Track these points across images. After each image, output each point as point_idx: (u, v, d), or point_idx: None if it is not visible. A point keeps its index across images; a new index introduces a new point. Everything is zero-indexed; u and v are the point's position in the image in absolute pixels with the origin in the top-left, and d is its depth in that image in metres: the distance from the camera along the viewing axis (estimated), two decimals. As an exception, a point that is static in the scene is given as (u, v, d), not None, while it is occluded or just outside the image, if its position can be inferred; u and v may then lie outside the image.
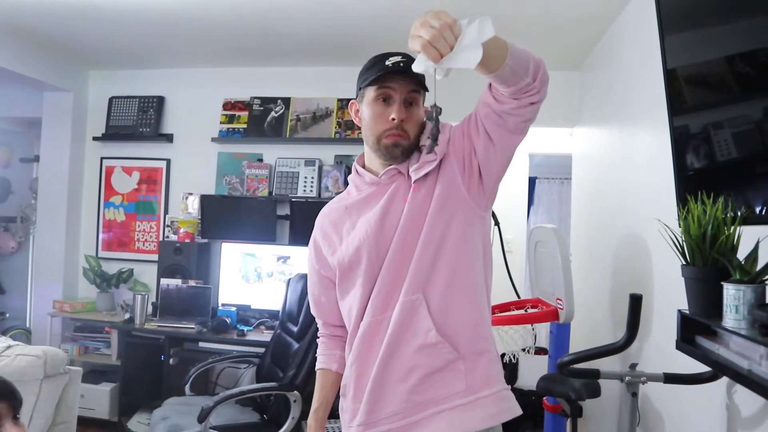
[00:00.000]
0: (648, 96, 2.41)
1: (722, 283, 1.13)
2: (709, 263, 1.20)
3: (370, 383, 1.37)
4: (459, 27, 1.01)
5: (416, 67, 1.05)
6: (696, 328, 1.29)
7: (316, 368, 1.61)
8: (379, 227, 1.39)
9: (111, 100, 4.39)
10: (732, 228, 1.18)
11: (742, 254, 1.18)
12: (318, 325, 1.64)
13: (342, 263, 1.45)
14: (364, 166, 1.50)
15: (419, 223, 1.36)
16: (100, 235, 4.43)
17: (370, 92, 1.39)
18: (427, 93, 1.42)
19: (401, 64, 1.36)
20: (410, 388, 1.34)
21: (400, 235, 1.37)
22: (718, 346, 1.18)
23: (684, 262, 1.27)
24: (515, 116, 1.23)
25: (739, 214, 1.21)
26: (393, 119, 1.36)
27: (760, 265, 1.11)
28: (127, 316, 3.88)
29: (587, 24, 3.11)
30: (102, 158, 4.43)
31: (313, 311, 1.63)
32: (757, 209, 1.23)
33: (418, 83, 1.38)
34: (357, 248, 1.41)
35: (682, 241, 1.27)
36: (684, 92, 1.63)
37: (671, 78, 1.63)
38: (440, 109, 1.09)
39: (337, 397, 1.55)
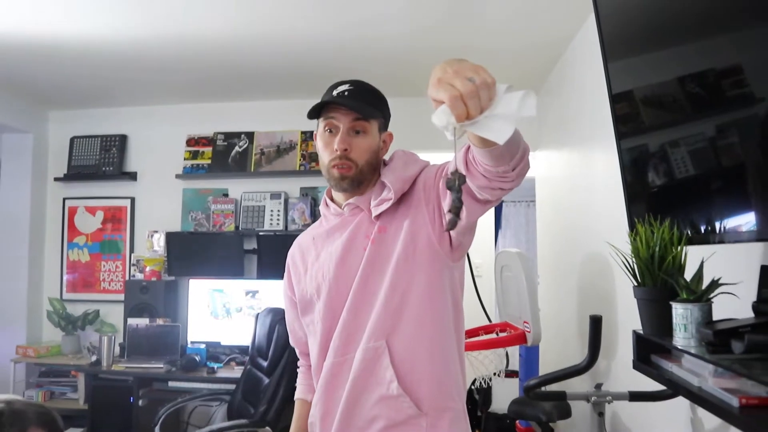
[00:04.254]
0: (601, 119, 2.49)
1: (670, 302, 1.16)
2: (658, 284, 1.23)
3: (336, 426, 1.36)
4: (496, 90, 0.86)
5: (437, 121, 0.86)
6: (651, 348, 1.32)
7: (295, 398, 1.60)
8: (340, 264, 1.38)
9: (72, 139, 4.34)
10: (678, 248, 1.22)
11: (690, 273, 1.22)
12: (297, 354, 1.63)
13: (303, 296, 1.46)
14: (332, 197, 1.49)
15: (383, 267, 1.34)
16: (65, 277, 4.34)
17: (320, 124, 1.40)
18: (379, 120, 1.41)
19: (345, 93, 1.36)
20: None
21: (362, 276, 1.34)
22: (672, 365, 1.21)
23: (635, 284, 1.31)
24: (482, 191, 1.13)
25: (685, 234, 1.25)
26: (336, 149, 1.35)
27: (705, 284, 1.14)
28: (93, 358, 3.79)
29: (543, 51, 3.22)
30: (64, 198, 4.37)
31: (290, 340, 1.62)
32: (702, 229, 1.28)
33: (362, 112, 1.36)
34: (318, 284, 1.41)
35: (633, 262, 1.31)
36: (642, 113, 1.68)
37: (628, 99, 1.68)
38: (464, 177, 0.89)
39: None
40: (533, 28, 2.89)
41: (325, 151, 1.38)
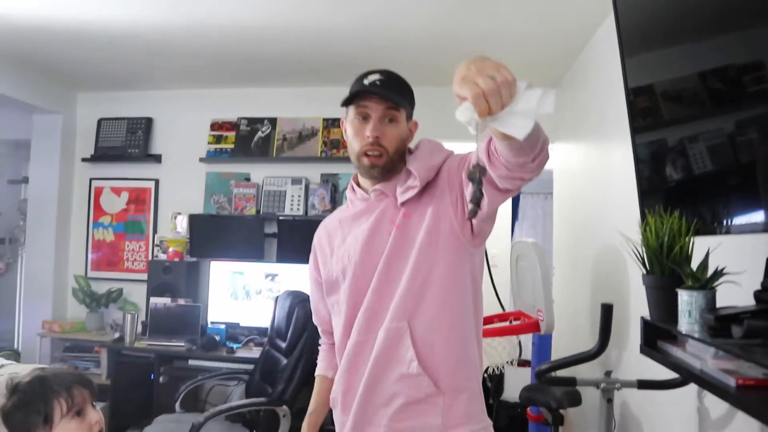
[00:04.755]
0: (620, 112, 2.51)
1: (677, 289, 1.21)
2: (666, 272, 1.28)
3: (357, 401, 1.43)
4: (516, 88, 0.91)
5: (460, 116, 0.92)
6: (658, 333, 1.37)
7: (315, 373, 1.68)
8: (366, 248, 1.43)
9: (100, 121, 4.45)
10: (686, 238, 1.27)
11: (696, 263, 1.26)
12: (319, 332, 1.70)
13: (329, 276, 1.52)
14: (359, 183, 1.54)
15: (407, 252, 1.39)
16: (89, 255, 4.47)
17: (351, 111, 1.44)
18: (407, 110, 1.46)
19: (378, 82, 1.41)
20: (391, 414, 1.39)
21: (387, 260, 1.40)
22: (677, 349, 1.26)
23: (644, 272, 1.36)
24: (502, 180, 1.18)
25: (693, 225, 1.29)
26: (368, 136, 1.40)
27: (710, 273, 1.19)
28: (117, 335, 3.92)
29: (564, 41, 3.20)
30: (91, 179, 4.49)
31: (314, 319, 1.69)
32: (709, 220, 1.32)
33: (395, 101, 1.41)
34: (344, 266, 1.47)
35: (643, 252, 1.35)
36: (662, 107, 1.70)
37: (648, 93, 1.71)
38: (484, 169, 0.96)
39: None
40: (555, 16, 2.88)
41: (356, 138, 1.43)
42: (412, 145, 1.53)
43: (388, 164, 1.43)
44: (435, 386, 1.36)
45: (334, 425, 1.55)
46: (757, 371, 0.98)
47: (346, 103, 1.43)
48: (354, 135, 1.44)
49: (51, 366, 1.39)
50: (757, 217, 1.18)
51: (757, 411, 0.94)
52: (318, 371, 1.68)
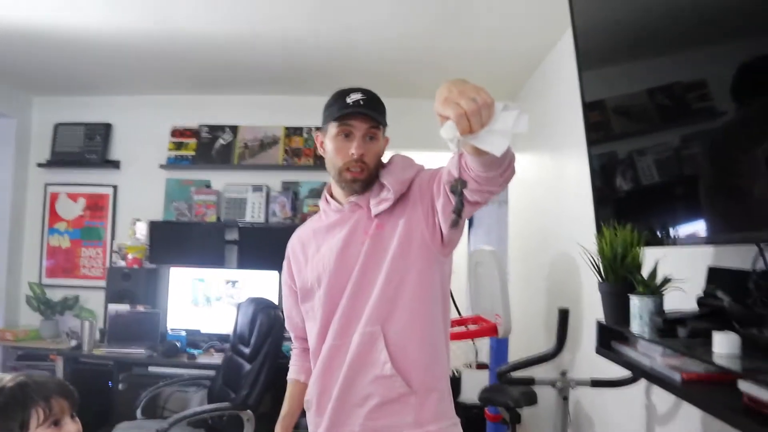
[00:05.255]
0: (574, 126, 2.67)
1: (629, 295, 1.34)
2: (619, 280, 1.41)
3: (332, 402, 1.50)
4: (494, 109, 1.00)
5: (444, 134, 1.01)
6: (612, 335, 1.50)
7: (287, 378, 1.74)
8: (340, 257, 1.51)
9: (56, 126, 4.39)
10: (637, 249, 1.40)
11: (646, 272, 1.40)
12: (292, 338, 1.76)
13: (304, 284, 1.59)
14: (332, 194, 1.61)
15: (380, 260, 1.46)
16: (44, 262, 4.39)
17: (333, 128, 1.50)
18: (384, 127, 1.54)
19: (361, 102, 1.48)
20: (366, 414, 1.46)
21: (361, 268, 1.47)
22: (629, 349, 1.39)
23: (600, 280, 1.49)
24: (473, 193, 1.25)
25: (643, 237, 1.43)
26: (353, 153, 1.48)
27: (659, 281, 1.33)
28: (73, 343, 3.86)
29: (522, 58, 3.39)
30: (46, 184, 4.41)
31: (287, 325, 1.75)
32: (658, 233, 1.46)
33: (377, 121, 1.49)
34: (318, 275, 1.54)
35: (598, 261, 1.48)
36: (612, 121, 1.82)
37: (600, 108, 1.82)
38: (465, 183, 1.06)
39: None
40: (515, 36, 3.05)
41: (339, 154, 1.50)
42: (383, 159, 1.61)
43: (368, 178, 1.51)
44: (408, 386, 1.44)
45: (305, 428, 1.61)
46: (699, 367, 1.12)
47: (330, 120, 1.50)
48: (336, 152, 1.50)
49: (34, 373, 1.41)
50: (699, 231, 1.32)
51: (700, 401, 1.08)
52: (290, 375, 1.74)
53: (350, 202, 1.55)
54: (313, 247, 1.60)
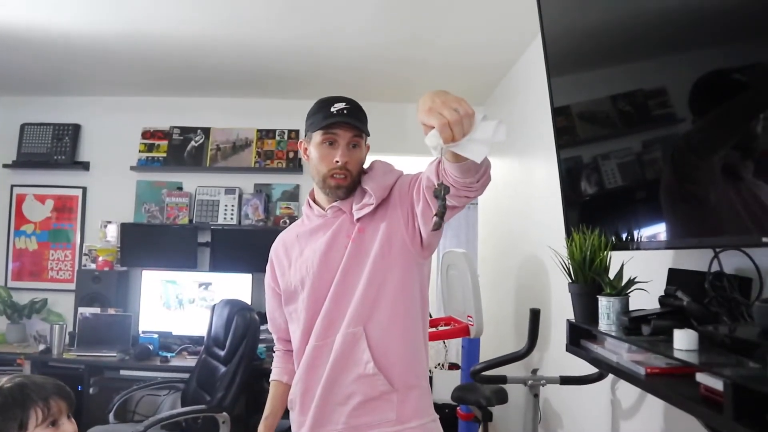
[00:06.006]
0: (541, 132, 2.77)
1: (597, 296, 1.43)
2: (588, 281, 1.50)
3: (316, 401, 1.54)
4: (475, 119, 1.06)
5: (429, 142, 1.07)
6: (581, 334, 1.59)
7: (270, 379, 1.78)
8: (323, 260, 1.56)
9: (23, 126, 4.32)
10: (604, 253, 1.49)
11: (613, 273, 1.49)
12: (274, 339, 1.81)
13: (288, 287, 1.63)
14: (315, 200, 1.67)
15: (362, 263, 1.51)
16: (10, 265, 4.32)
17: (318, 136, 1.55)
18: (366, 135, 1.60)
19: (345, 111, 1.53)
20: (348, 412, 1.51)
21: (343, 270, 1.52)
22: (597, 346, 1.48)
23: (570, 281, 1.57)
24: (450, 197, 1.24)
25: (610, 241, 1.52)
26: (337, 161, 1.53)
27: (624, 282, 1.42)
28: (41, 347, 3.81)
29: (490, 68, 3.50)
30: (12, 186, 4.34)
31: (269, 327, 1.79)
32: (624, 237, 1.56)
33: (361, 129, 1.55)
34: (302, 278, 1.59)
35: (569, 263, 1.57)
36: (577, 127, 1.89)
37: (566, 113, 1.89)
38: (448, 188, 1.13)
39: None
40: (483, 48, 3.16)
41: (323, 162, 1.55)
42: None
43: (351, 185, 1.57)
44: (389, 384, 1.50)
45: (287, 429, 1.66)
46: (661, 361, 1.21)
47: (318, 129, 1.55)
48: (321, 159, 1.55)
49: (32, 374, 1.44)
50: (660, 235, 1.42)
51: (662, 393, 1.17)
52: (273, 376, 1.78)
53: (333, 207, 1.60)
54: (297, 250, 1.64)
